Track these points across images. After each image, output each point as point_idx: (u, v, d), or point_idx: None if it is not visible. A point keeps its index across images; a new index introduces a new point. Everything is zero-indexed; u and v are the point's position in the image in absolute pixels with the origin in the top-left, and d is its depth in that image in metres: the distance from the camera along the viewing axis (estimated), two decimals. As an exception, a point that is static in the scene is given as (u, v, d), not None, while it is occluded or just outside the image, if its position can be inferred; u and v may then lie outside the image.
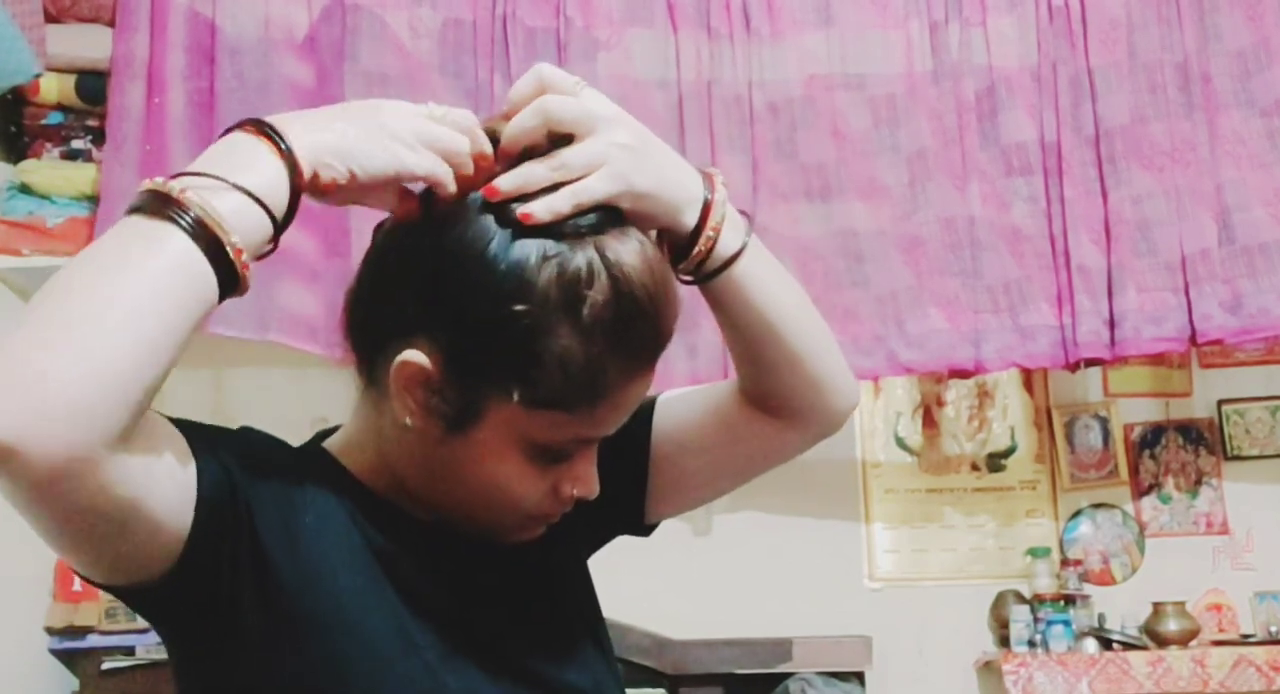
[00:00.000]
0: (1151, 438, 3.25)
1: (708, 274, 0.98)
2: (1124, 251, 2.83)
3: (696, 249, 0.96)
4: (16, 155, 2.77)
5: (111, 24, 2.70)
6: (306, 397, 3.20)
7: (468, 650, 0.92)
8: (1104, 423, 3.24)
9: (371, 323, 0.92)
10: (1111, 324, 2.80)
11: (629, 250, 0.88)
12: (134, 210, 0.78)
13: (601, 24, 2.87)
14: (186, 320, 0.76)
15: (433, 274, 0.87)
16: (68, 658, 2.77)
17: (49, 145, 2.76)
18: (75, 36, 2.72)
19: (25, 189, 2.71)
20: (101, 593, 2.72)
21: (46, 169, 2.72)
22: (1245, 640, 3.01)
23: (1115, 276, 2.82)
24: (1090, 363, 2.85)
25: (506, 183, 0.87)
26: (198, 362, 3.10)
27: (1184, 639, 2.93)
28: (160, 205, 0.77)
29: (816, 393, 1.05)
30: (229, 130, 0.83)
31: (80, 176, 2.70)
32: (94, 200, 2.66)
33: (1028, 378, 3.23)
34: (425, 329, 0.87)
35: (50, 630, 2.75)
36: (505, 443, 0.89)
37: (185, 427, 0.85)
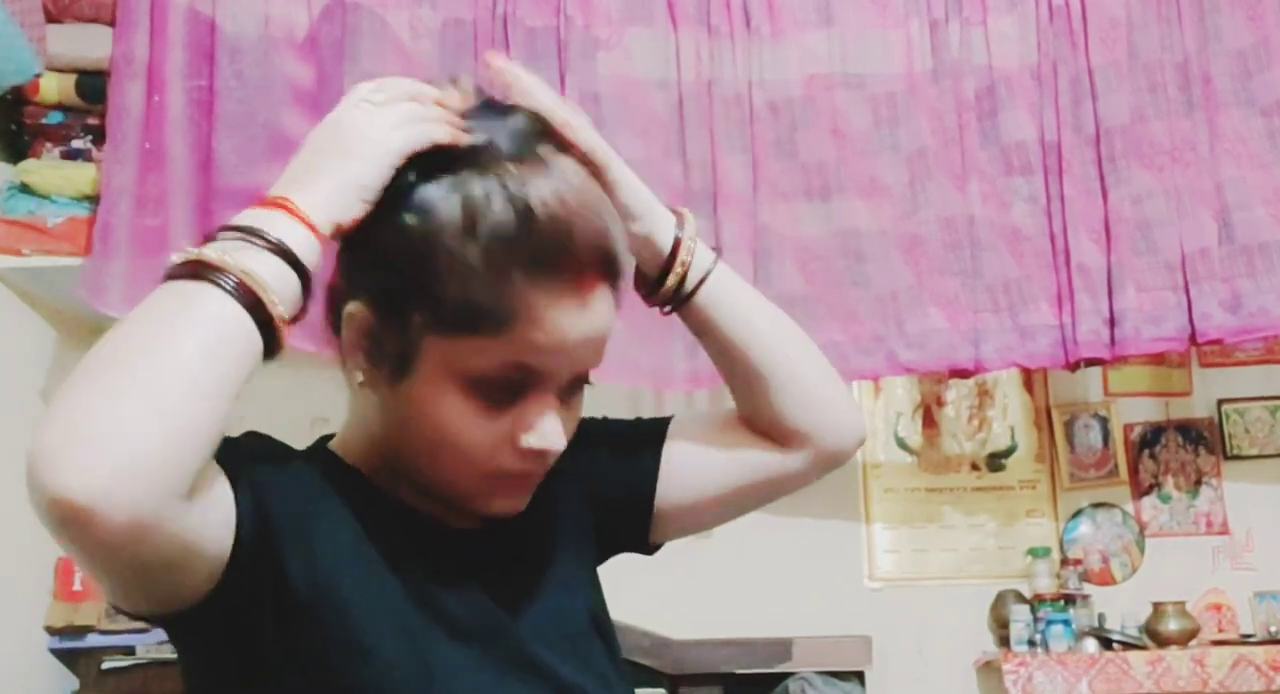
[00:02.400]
0: (1151, 438, 3.25)
1: (675, 302, 1.07)
2: (1124, 251, 2.82)
3: (665, 284, 1.05)
4: (16, 155, 2.77)
5: (111, 24, 2.70)
6: (306, 397, 3.20)
7: (476, 648, 0.93)
8: (1104, 423, 3.24)
9: (332, 298, 0.96)
10: (1111, 323, 2.80)
11: (538, 175, 0.89)
12: (172, 276, 0.82)
13: (601, 23, 2.87)
14: (237, 377, 0.79)
15: (362, 236, 0.90)
16: (68, 658, 2.77)
17: (49, 145, 2.76)
18: (75, 36, 2.72)
19: (25, 189, 2.71)
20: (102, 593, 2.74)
21: (46, 169, 2.72)
22: (1245, 640, 3.01)
23: (1115, 276, 2.81)
24: (1090, 362, 2.85)
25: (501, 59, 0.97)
26: (198, 361, 3.10)
27: (1184, 639, 2.93)
28: (201, 269, 0.81)
29: (806, 415, 1.09)
30: (229, 225, 0.86)
31: (80, 176, 2.70)
32: (94, 200, 2.66)
33: (1028, 378, 3.23)
34: (360, 285, 0.92)
35: (50, 630, 2.75)
36: (442, 379, 0.89)
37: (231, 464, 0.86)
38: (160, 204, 2.64)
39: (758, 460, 1.11)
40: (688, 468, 1.11)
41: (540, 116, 0.95)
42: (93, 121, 2.74)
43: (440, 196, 0.88)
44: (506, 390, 0.90)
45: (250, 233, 0.83)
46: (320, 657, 0.87)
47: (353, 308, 0.92)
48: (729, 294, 1.08)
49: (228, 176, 2.66)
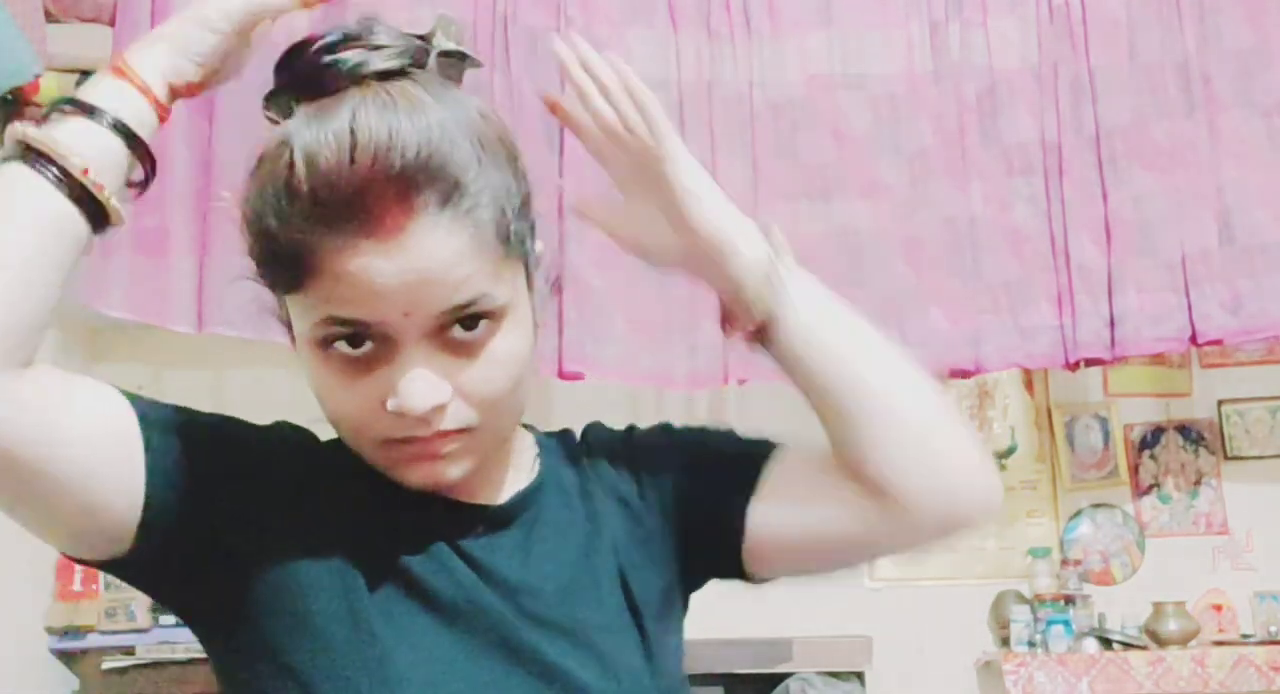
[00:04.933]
0: (1151, 438, 3.25)
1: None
2: (1124, 251, 2.82)
3: (734, 323, 0.97)
4: (17, 155, 2.77)
5: (111, 24, 2.70)
6: (307, 396, 3.20)
7: (455, 625, 0.88)
8: (1104, 423, 3.24)
9: None
10: (1112, 324, 2.80)
11: (345, 103, 0.81)
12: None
13: (601, 24, 2.87)
14: (53, 250, 0.79)
15: None
16: (68, 658, 2.78)
17: (49, 145, 2.76)
18: (75, 36, 2.72)
19: (25, 189, 2.71)
20: (102, 593, 2.74)
21: (47, 169, 2.72)
22: (1245, 640, 3.01)
23: (1115, 276, 2.81)
24: (1090, 363, 2.85)
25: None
26: (198, 362, 3.10)
27: (1184, 639, 2.93)
28: (17, 150, 0.80)
29: (900, 467, 0.93)
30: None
31: (80, 176, 2.70)
32: (94, 200, 2.66)
33: (1028, 378, 3.23)
34: None
35: (50, 630, 2.75)
36: (304, 346, 0.86)
37: (153, 409, 0.87)
38: (160, 204, 2.64)
39: (844, 503, 0.95)
40: (779, 509, 0.98)
41: (452, 51, 0.92)
42: (93, 122, 2.74)
43: (266, 140, 0.84)
44: (355, 350, 0.82)
45: (73, 102, 0.83)
46: (265, 619, 0.86)
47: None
48: (809, 333, 0.96)
49: (227, 177, 2.66)
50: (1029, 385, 3.25)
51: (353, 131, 0.78)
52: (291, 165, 0.78)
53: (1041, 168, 2.88)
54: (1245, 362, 3.24)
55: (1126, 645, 2.94)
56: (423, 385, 0.81)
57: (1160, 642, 2.93)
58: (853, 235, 2.86)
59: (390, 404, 0.82)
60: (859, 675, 2.88)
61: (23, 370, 0.78)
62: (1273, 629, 3.01)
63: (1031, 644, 2.94)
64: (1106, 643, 2.96)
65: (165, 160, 2.65)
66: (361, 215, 0.78)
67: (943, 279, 2.85)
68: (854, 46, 2.93)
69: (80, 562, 0.88)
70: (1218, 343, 2.82)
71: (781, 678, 2.82)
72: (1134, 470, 3.22)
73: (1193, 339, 2.80)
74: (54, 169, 0.79)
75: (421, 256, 0.79)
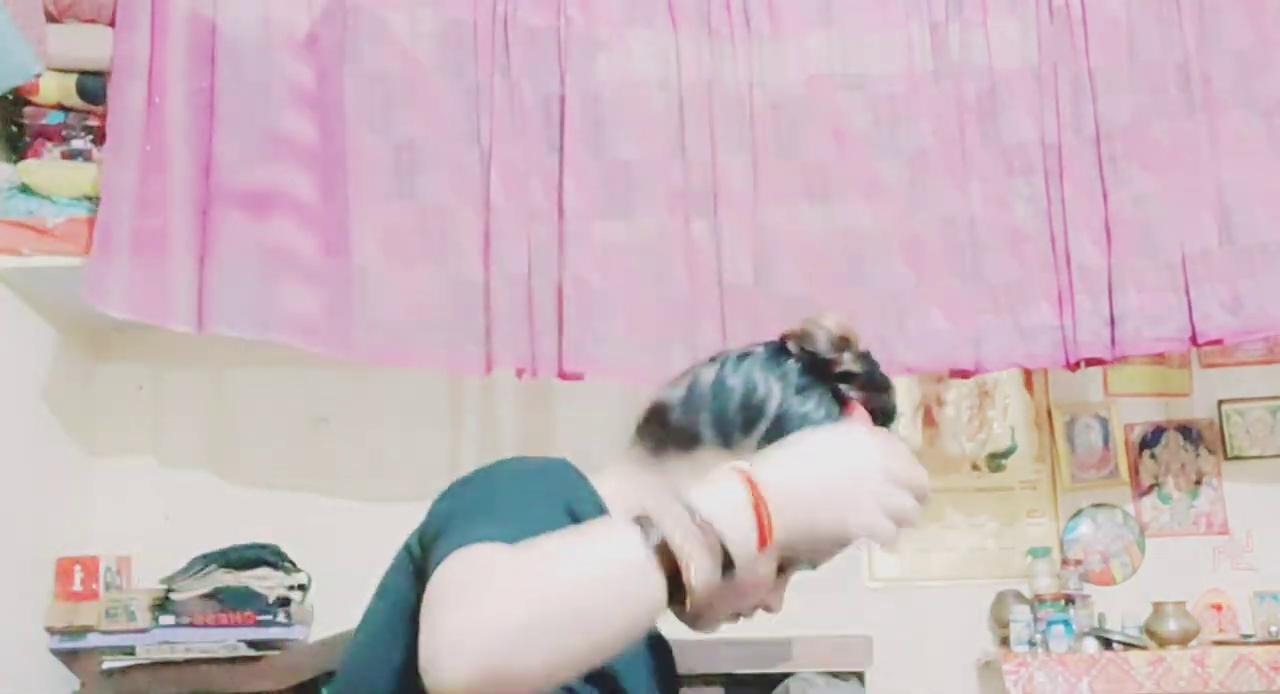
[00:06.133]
0: (1152, 438, 3.25)
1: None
2: (1124, 251, 2.83)
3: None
4: (16, 155, 2.77)
5: (111, 24, 2.70)
6: (306, 397, 3.20)
7: None
8: (1104, 423, 3.24)
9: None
10: (1112, 324, 2.80)
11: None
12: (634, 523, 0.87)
13: (601, 24, 2.87)
14: (623, 628, 0.85)
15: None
16: (68, 658, 2.77)
17: (49, 145, 2.76)
18: (75, 36, 2.72)
19: (25, 189, 2.70)
20: (102, 593, 2.74)
21: (46, 169, 2.72)
22: (1245, 640, 3.01)
23: (1115, 276, 2.82)
24: (1090, 363, 2.85)
25: None
26: (198, 361, 3.10)
27: (1184, 639, 2.93)
28: (650, 526, 0.86)
29: None
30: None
31: (80, 176, 2.70)
32: (94, 200, 2.65)
33: (1028, 378, 3.23)
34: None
35: (50, 630, 2.75)
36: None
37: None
38: (160, 205, 2.64)
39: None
40: None
41: None
42: (93, 122, 2.74)
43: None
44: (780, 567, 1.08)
45: (726, 522, 0.87)
46: None
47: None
48: None
49: (228, 178, 2.66)
50: (1029, 385, 3.25)
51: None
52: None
53: (1041, 168, 2.88)
54: (1245, 361, 3.23)
55: (1126, 645, 2.93)
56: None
57: (1160, 642, 2.92)
58: (853, 235, 2.86)
59: (773, 605, 1.13)
60: (859, 675, 2.88)
61: None
62: (1273, 629, 3.01)
63: (1031, 644, 2.94)
64: (1106, 643, 2.96)
65: (166, 160, 2.66)
66: None
67: (943, 279, 2.85)
68: (854, 46, 2.93)
69: None
70: (1218, 343, 2.82)
71: (781, 678, 2.82)
72: (1134, 470, 3.22)
73: (1193, 339, 2.80)
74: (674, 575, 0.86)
75: None
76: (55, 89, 2.72)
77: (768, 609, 1.12)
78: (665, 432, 1.17)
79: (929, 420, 3.25)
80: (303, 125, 2.74)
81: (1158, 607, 2.98)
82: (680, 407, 1.17)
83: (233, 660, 2.68)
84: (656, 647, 1.19)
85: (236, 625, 2.71)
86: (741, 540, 0.87)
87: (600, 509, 1.04)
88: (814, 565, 1.12)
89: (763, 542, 0.88)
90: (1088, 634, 2.97)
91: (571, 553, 0.85)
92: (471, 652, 0.78)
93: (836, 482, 0.93)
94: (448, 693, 0.78)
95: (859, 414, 1.12)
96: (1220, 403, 3.23)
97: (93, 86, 2.72)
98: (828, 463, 0.94)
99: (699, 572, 0.85)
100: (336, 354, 2.69)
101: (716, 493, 0.89)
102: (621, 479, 1.15)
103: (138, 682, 2.71)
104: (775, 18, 2.92)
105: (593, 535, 0.87)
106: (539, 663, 0.80)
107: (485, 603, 0.80)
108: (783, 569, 1.09)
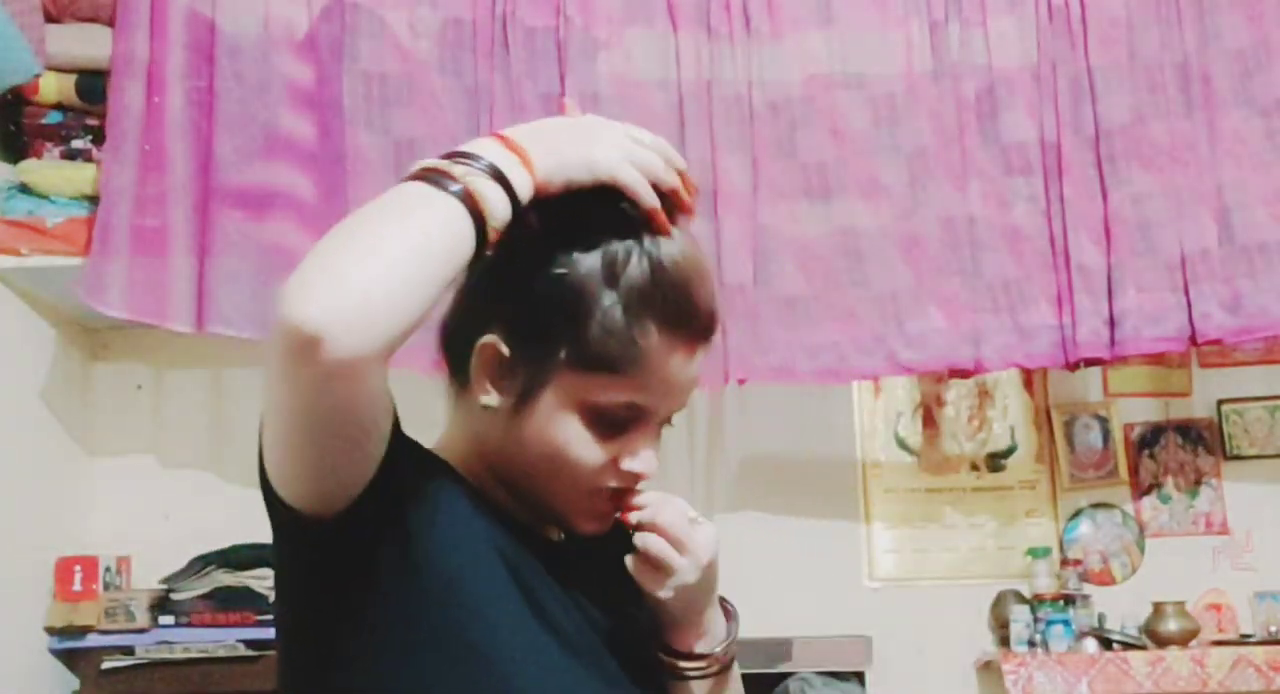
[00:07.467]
0: (1151, 438, 3.25)
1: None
2: (1124, 251, 2.83)
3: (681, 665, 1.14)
4: (16, 155, 2.76)
5: (111, 24, 2.70)
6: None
7: (582, 664, 1.03)
8: (1104, 423, 3.24)
9: (459, 329, 1.07)
10: (1111, 324, 2.80)
11: (667, 243, 1.02)
12: (415, 178, 0.92)
13: (601, 24, 2.87)
14: (450, 271, 0.90)
15: (504, 275, 1.02)
16: (68, 658, 2.77)
17: (49, 145, 2.76)
18: (75, 36, 2.72)
19: (25, 189, 2.71)
20: (101, 593, 2.74)
21: (46, 169, 2.72)
22: (1245, 640, 3.01)
23: (1115, 276, 2.82)
24: (1090, 363, 2.85)
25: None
26: (198, 361, 3.10)
27: (1184, 639, 2.93)
28: (439, 177, 0.92)
29: None
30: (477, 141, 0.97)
31: (80, 176, 2.70)
32: (94, 200, 2.66)
33: (1028, 378, 3.23)
34: (497, 317, 1.03)
35: (50, 630, 2.74)
36: (565, 407, 1.01)
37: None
38: (160, 204, 2.64)
39: None
40: None
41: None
42: (93, 121, 2.74)
43: (585, 248, 1.00)
44: (618, 421, 1.03)
45: (490, 167, 0.93)
46: (435, 616, 0.96)
47: (487, 340, 1.02)
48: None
49: (227, 177, 2.66)
50: (1028, 385, 3.25)
51: (699, 258, 1.04)
52: (660, 274, 1.00)
53: (1041, 167, 2.88)
54: (1245, 361, 3.23)
55: (1126, 645, 2.94)
56: (653, 456, 1.05)
57: (1160, 642, 2.93)
58: (853, 235, 2.86)
59: (633, 465, 1.04)
60: (859, 675, 2.88)
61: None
62: (1273, 629, 3.01)
63: (1031, 644, 2.94)
64: (1106, 643, 2.96)
65: (165, 160, 2.66)
66: (693, 327, 1.02)
67: (942, 279, 2.85)
68: (853, 46, 2.94)
69: (286, 510, 0.95)
70: (1217, 342, 2.82)
71: (781, 678, 2.82)
72: (1133, 470, 3.22)
73: (1192, 339, 2.80)
74: (476, 218, 0.92)
75: (697, 372, 1.06)
76: (55, 89, 2.72)
77: (639, 474, 1.05)
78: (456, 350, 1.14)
79: (929, 420, 3.25)
80: (302, 124, 2.74)
81: (1157, 607, 2.98)
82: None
83: (232, 660, 2.68)
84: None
85: (235, 625, 2.70)
86: (511, 167, 0.94)
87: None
88: (668, 418, 1.08)
89: (527, 167, 0.94)
90: (1087, 634, 2.97)
91: (393, 223, 0.89)
92: (320, 284, 0.84)
93: (579, 126, 1.02)
94: (296, 321, 0.82)
95: None
96: (1220, 403, 3.23)
97: (92, 86, 2.72)
98: (567, 121, 1.03)
99: (496, 202, 0.92)
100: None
101: (471, 147, 0.95)
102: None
103: (137, 682, 2.71)
104: (775, 18, 2.92)
105: (404, 201, 0.91)
106: (383, 297, 0.85)
107: (329, 262, 0.85)
108: (644, 421, 1.04)
